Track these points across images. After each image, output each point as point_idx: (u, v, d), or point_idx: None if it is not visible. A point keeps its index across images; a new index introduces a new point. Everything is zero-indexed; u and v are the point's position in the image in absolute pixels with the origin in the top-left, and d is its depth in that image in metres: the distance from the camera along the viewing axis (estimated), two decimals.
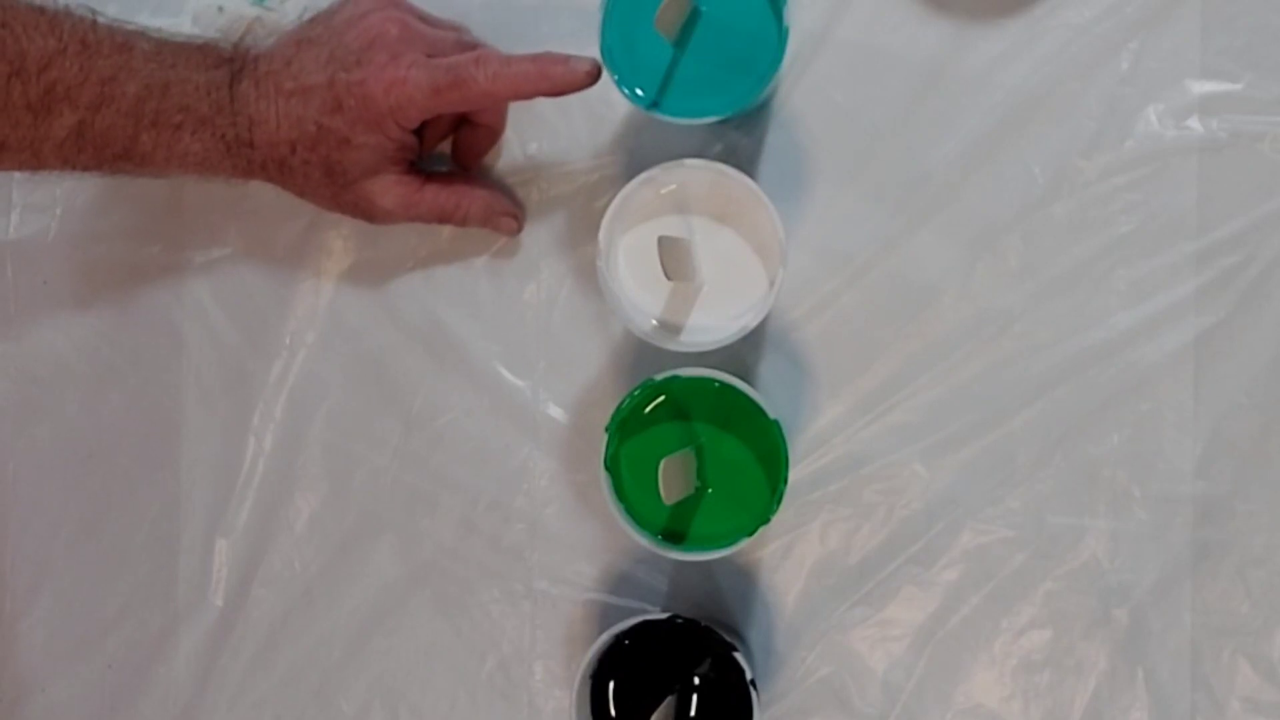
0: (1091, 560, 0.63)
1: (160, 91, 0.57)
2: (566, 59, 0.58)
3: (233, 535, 0.68)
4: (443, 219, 0.63)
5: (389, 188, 0.61)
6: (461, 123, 0.65)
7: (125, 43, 0.57)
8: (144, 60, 0.57)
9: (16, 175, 0.70)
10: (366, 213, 0.62)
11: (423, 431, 0.67)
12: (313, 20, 0.60)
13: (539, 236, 0.66)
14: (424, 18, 0.62)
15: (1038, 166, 0.63)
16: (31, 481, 0.70)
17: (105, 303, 0.69)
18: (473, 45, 0.62)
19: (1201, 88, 0.62)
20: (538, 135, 0.66)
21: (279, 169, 0.59)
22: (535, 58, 0.58)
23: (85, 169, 0.58)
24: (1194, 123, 0.63)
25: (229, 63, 0.59)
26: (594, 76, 0.58)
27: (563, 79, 0.58)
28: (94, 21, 0.57)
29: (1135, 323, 0.63)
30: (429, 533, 0.67)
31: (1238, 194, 0.62)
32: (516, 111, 0.66)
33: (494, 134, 0.65)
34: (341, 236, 0.68)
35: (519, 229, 0.65)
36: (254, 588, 0.68)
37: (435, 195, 0.62)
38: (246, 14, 0.66)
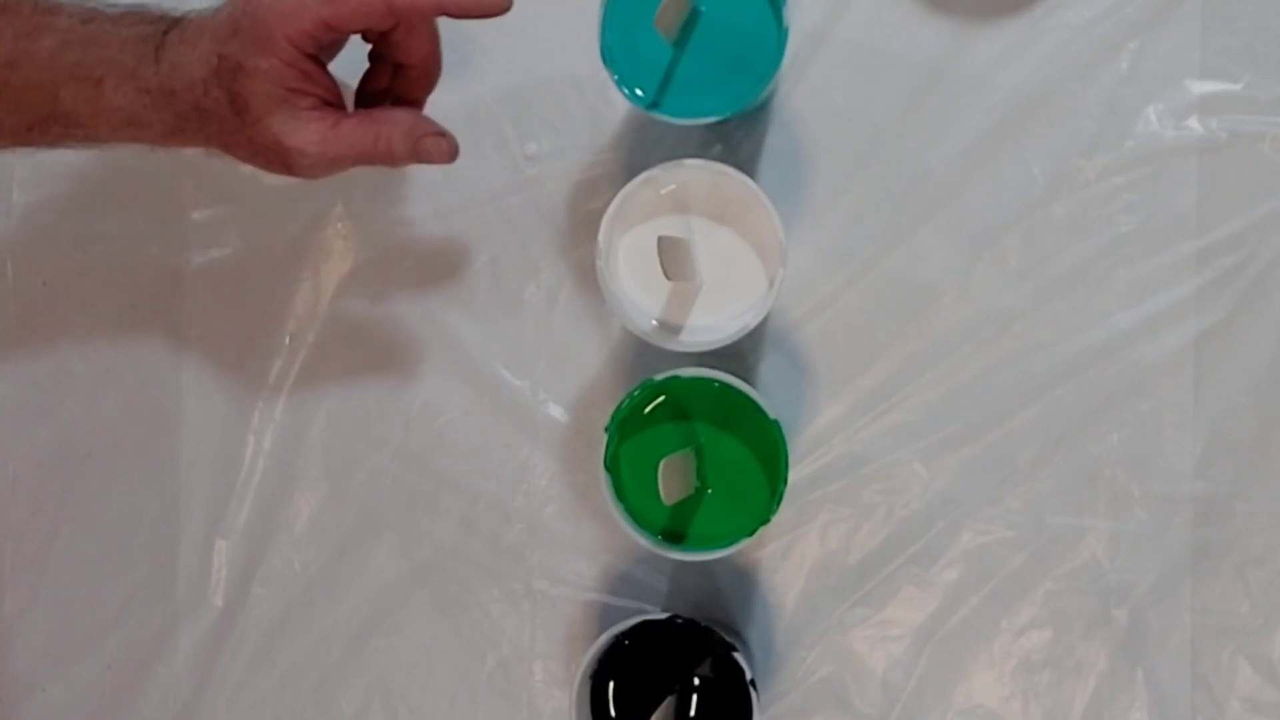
0: (1091, 560, 0.63)
1: (81, 45, 0.55)
2: None
3: (233, 535, 0.68)
4: (366, 157, 0.56)
5: (299, 126, 0.55)
6: (394, 72, 0.60)
7: (51, 6, 0.56)
8: (67, 18, 0.56)
9: (17, 175, 0.70)
10: (283, 158, 0.56)
11: (423, 431, 0.67)
12: None
13: (539, 236, 0.66)
14: None
15: (1038, 166, 0.63)
16: (31, 481, 0.70)
17: (105, 303, 0.69)
18: None
19: (1201, 88, 0.62)
20: (537, 135, 0.66)
21: (199, 115, 0.55)
22: None
23: (17, 138, 0.56)
24: (1194, 123, 0.63)
25: (164, 19, 0.57)
26: (506, 6, 0.55)
27: (473, 2, 0.55)
28: None
29: (1135, 323, 0.63)
30: (429, 533, 0.67)
31: (1238, 194, 0.62)
32: (517, 110, 0.66)
33: (428, 74, 0.60)
34: (341, 236, 0.68)
35: (451, 153, 0.58)
36: (254, 588, 0.68)
37: (352, 130, 0.56)
38: None
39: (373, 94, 0.60)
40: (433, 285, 0.67)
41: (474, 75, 0.67)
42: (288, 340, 0.68)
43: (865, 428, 0.64)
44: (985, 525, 0.64)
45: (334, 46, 0.58)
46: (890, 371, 0.64)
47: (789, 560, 0.65)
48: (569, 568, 0.66)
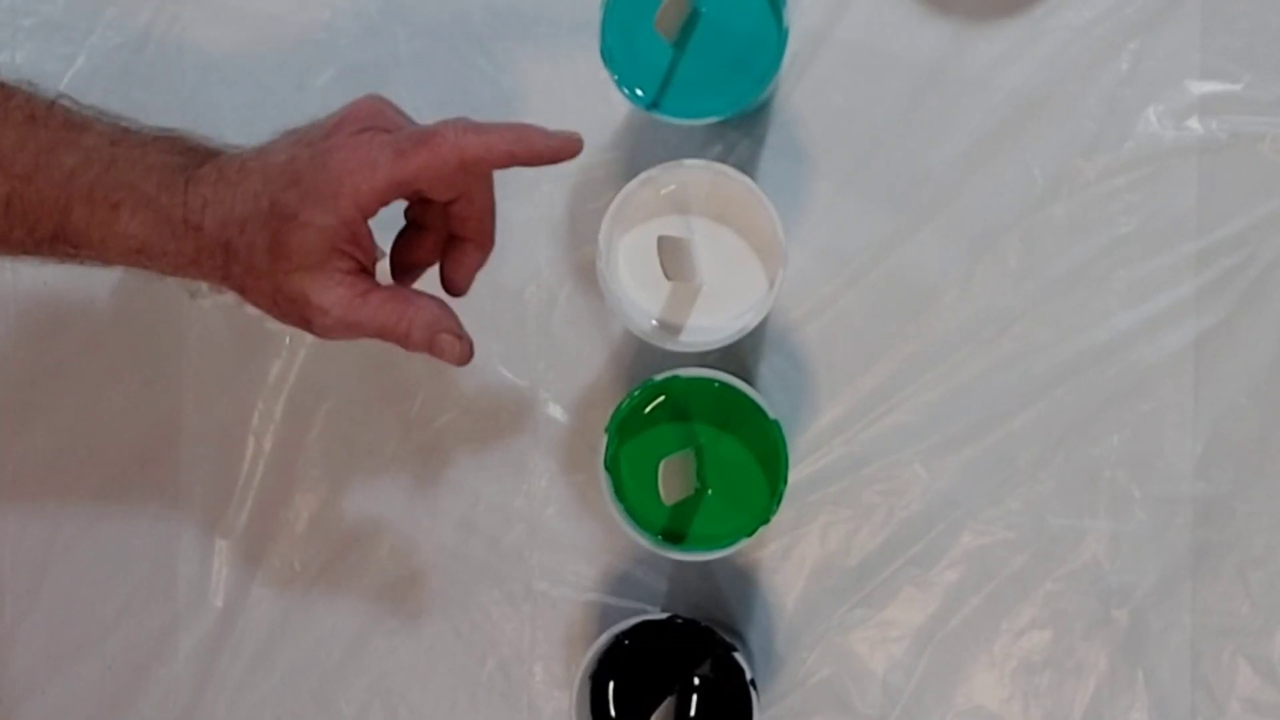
0: (1091, 561, 0.63)
1: (103, 166, 0.53)
2: (546, 130, 0.54)
3: (233, 535, 0.68)
4: (383, 333, 0.54)
5: (330, 285, 0.53)
6: (448, 244, 0.58)
7: (81, 122, 0.54)
8: (96, 137, 0.53)
9: None
10: (303, 313, 0.54)
11: (422, 432, 0.67)
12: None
13: (539, 236, 0.66)
14: (409, 120, 0.56)
15: (1038, 167, 0.63)
16: (31, 481, 0.70)
17: (105, 303, 0.69)
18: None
19: (1201, 88, 0.62)
20: None
21: (224, 253, 0.53)
22: (509, 123, 0.54)
23: (20, 249, 0.55)
24: (1194, 123, 0.63)
25: (198, 151, 0.55)
26: (580, 146, 0.54)
27: (545, 147, 0.53)
28: (53, 101, 0.54)
29: (1135, 323, 0.63)
30: (428, 533, 0.67)
31: (1238, 194, 0.62)
32: (517, 111, 0.66)
33: (482, 251, 0.58)
34: None
35: (464, 357, 0.56)
36: (254, 588, 0.68)
37: (379, 304, 0.54)
38: None
39: (411, 264, 0.58)
40: (432, 285, 0.67)
41: (474, 75, 0.67)
42: (288, 340, 0.68)
43: (865, 428, 0.64)
44: (986, 526, 0.63)
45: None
46: (890, 372, 0.64)
47: (789, 561, 0.65)
48: (569, 568, 0.66)
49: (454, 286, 0.58)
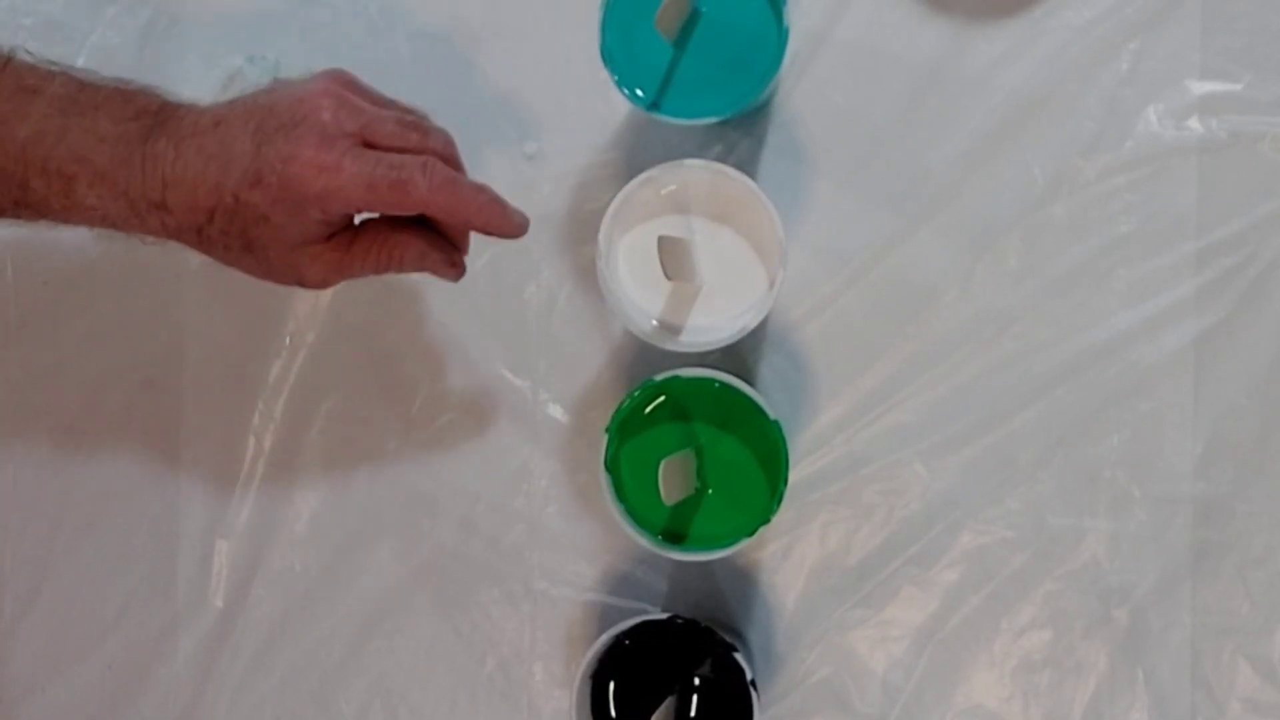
0: (1091, 561, 0.63)
1: (55, 137, 0.52)
2: (505, 207, 0.55)
3: (233, 535, 0.68)
4: (378, 274, 0.56)
5: (317, 256, 0.55)
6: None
7: (34, 86, 0.53)
8: (47, 104, 0.53)
9: None
10: (298, 280, 0.56)
11: (423, 431, 0.67)
12: (263, 87, 0.55)
13: (539, 236, 0.66)
14: (374, 99, 0.56)
15: (1038, 166, 0.63)
16: (31, 481, 0.70)
17: (105, 303, 0.69)
18: (416, 126, 0.55)
19: (1201, 88, 0.62)
20: (537, 135, 0.66)
21: (197, 237, 0.54)
22: (481, 189, 0.55)
23: None
24: (1194, 123, 0.63)
25: (151, 115, 0.54)
26: (523, 231, 0.56)
27: (497, 225, 0.55)
28: (5, 63, 0.54)
29: (1135, 323, 0.63)
30: (429, 533, 0.67)
31: (1238, 194, 0.62)
32: (517, 110, 0.66)
33: (464, 236, 0.59)
34: None
35: (459, 274, 0.58)
36: (254, 588, 0.68)
37: (364, 253, 0.55)
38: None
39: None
40: (433, 285, 0.67)
41: (474, 75, 0.67)
42: (288, 340, 0.68)
43: (865, 428, 0.64)
44: (985, 526, 0.64)
45: None
46: (890, 372, 0.64)
47: (789, 561, 0.65)
48: (569, 568, 0.66)
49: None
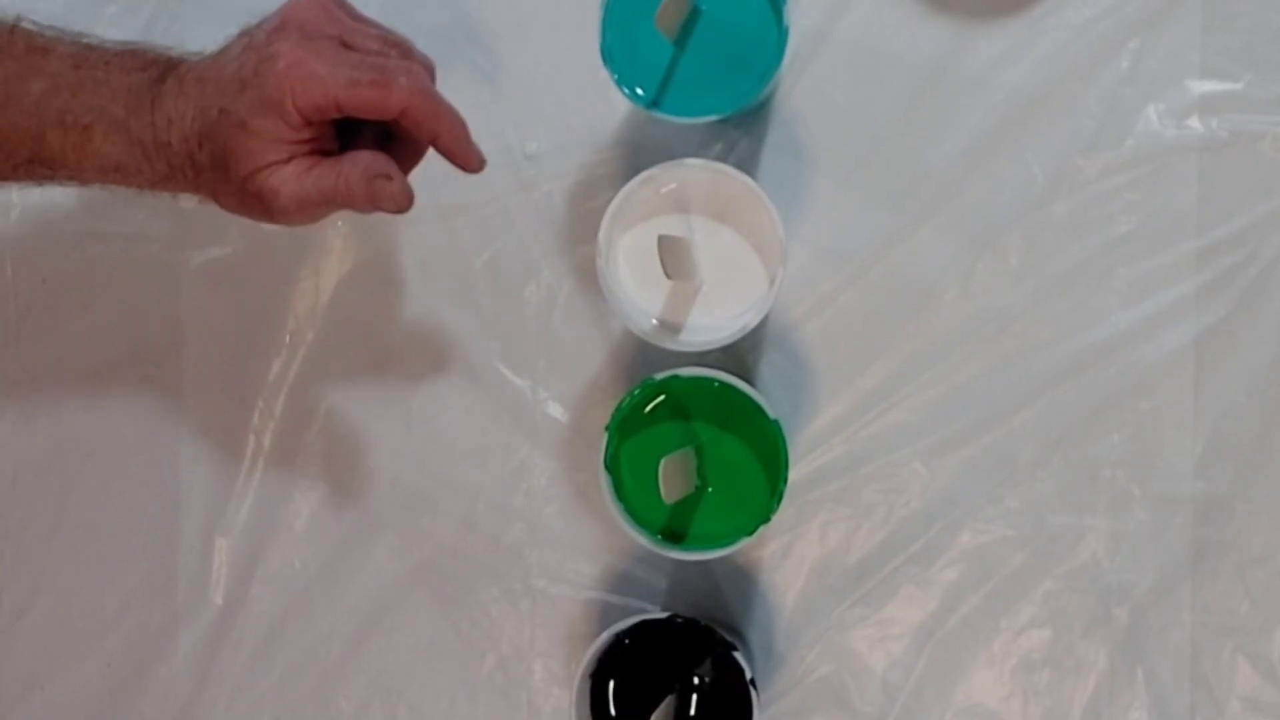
0: (1091, 560, 0.63)
1: (70, 90, 0.54)
2: (470, 136, 0.56)
3: (233, 535, 0.68)
4: (332, 199, 0.55)
5: (281, 170, 0.54)
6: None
7: (44, 46, 0.55)
8: (59, 61, 0.54)
9: None
10: (263, 202, 0.55)
11: (423, 431, 0.67)
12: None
13: (539, 236, 0.66)
14: (355, 15, 0.57)
15: (1038, 166, 0.63)
16: (31, 481, 0.70)
17: (105, 302, 0.69)
18: (397, 44, 0.57)
19: (1201, 87, 0.62)
20: (537, 134, 0.66)
21: (192, 166, 0.55)
22: (454, 110, 0.55)
23: (2, 176, 0.56)
24: (1194, 122, 0.63)
25: (157, 64, 0.55)
26: (479, 167, 0.56)
27: (462, 148, 0.55)
28: (13, 26, 0.55)
29: (1135, 322, 0.63)
30: (429, 532, 0.67)
31: (1238, 194, 0.62)
32: (517, 110, 0.66)
33: (416, 154, 0.58)
34: (341, 236, 0.68)
35: (398, 199, 0.55)
36: (254, 587, 0.68)
37: (321, 172, 0.55)
38: None
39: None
40: (433, 285, 0.67)
41: (474, 75, 0.67)
42: (288, 340, 0.68)
43: (865, 427, 0.64)
44: (985, 525, 0.64)
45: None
46: (890, 371, 0.64)
47: (789, 560, 0.65)
48: (569, 567, 0.66)
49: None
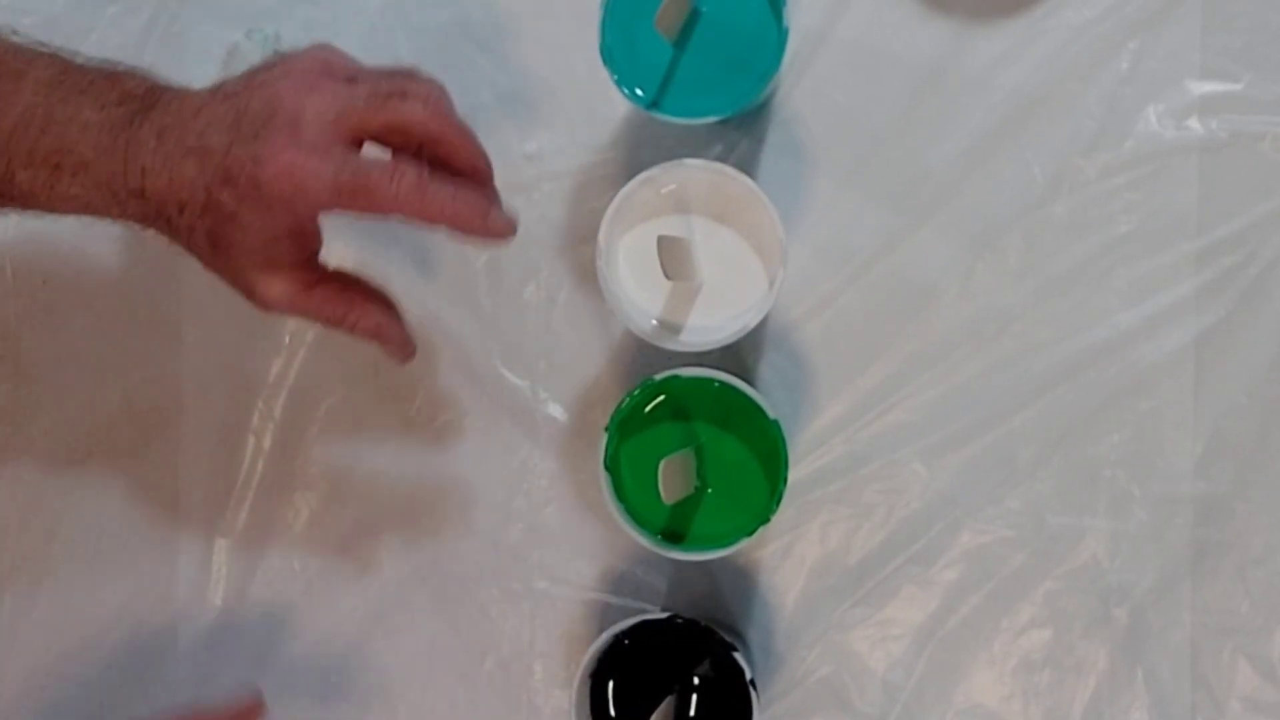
0: (1091, 560, 0.63)
1: (39, 127, 0.52)
2: (487, 211, 0.54)
3: (233, 535, 0.68)
4: (330, 324, 0.56)
5: (275, 279, 0.54)
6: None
7: (20, 70, 0.53)
8: (33, 90, 0.52)
9: None
10: (250, 296, 0.55)
11: (423, 431, 0.67)
12: (247, 72, 0.54)
13: (539, 236, 0.66)
14: (357, 71, 0.55)
15: (1038, 166, 0.63)
16: (31, 481, 0.70)
17: (105, 302, 0.69)
18: (405, 74, 0.55)
19: (1201, 88, 0.62)
20: (537, 135, 0.66)
21: (168, 226, 0.53)
22: (456, 193, 0.53)
23: None
24: (1194, 123, 0.63)
25: (137, 99, 0.53)
26: (506, 236, 0.54)
27: (476, 228, 0.54)
28: None
29: (1135, 322, 0.63)
30: (429, 532, 0.67)
31: (1238, 194, 0.62)
32: (517, 110, 0.66)
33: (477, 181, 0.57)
34: (341, 236, 0.68)
35: (408, 357, 0.59)
36: (253, 587, 0.68)
37: (323, 300, 0.55)
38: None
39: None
40: (433, 285, 0.67)
41: (474, 75, 0.67)
42: (288, 340, 0.68)
43: (865, 427, 0.64)
44: (985, 525, 0.64)
45: None
46: (890, 371, 0.64)
47: (789, 560, 0.65)
48: (569, 567, 0.66)
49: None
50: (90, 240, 0.70)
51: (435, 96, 0.54)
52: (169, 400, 0.69)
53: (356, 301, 0.57)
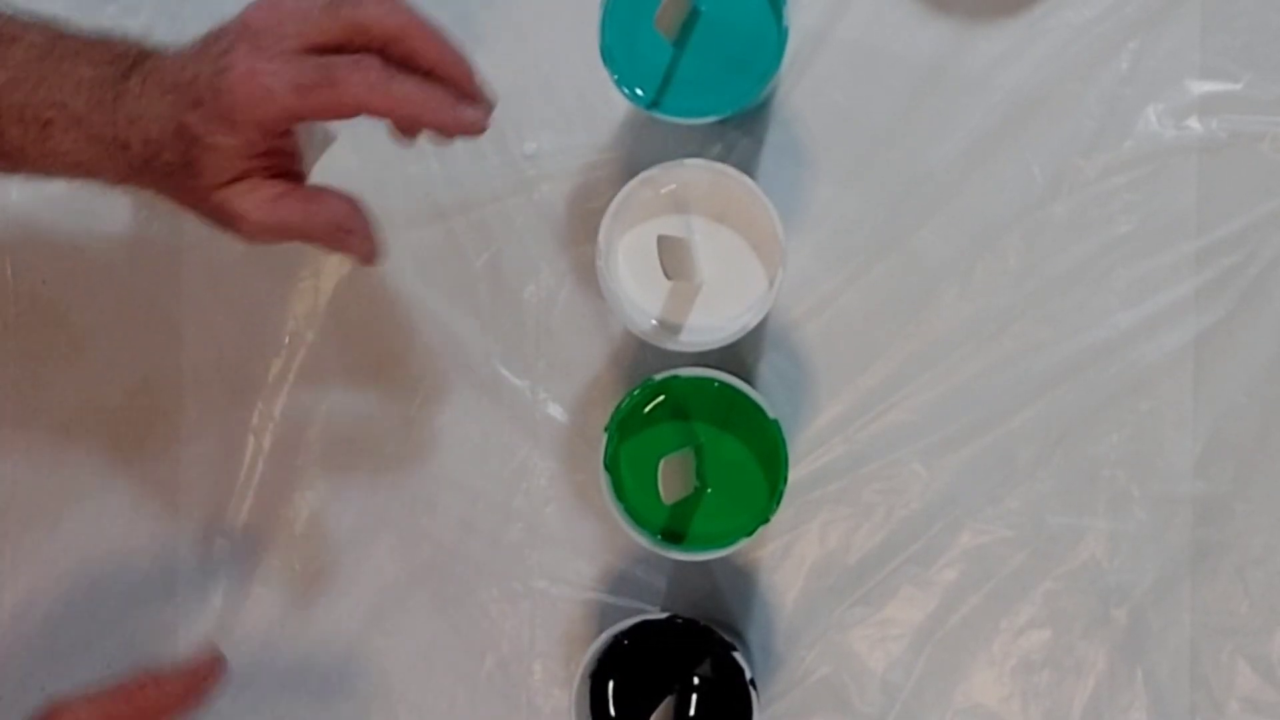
0: (1091, 560, 0.63)
1: (32, 84, 0.52)
2: (455, 103, 0.53)
3: (233, 535, 0.68)
4: (294, 235, 0.55)
5: (246, 193, 0.54)
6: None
7: (12, 35, 0.53)
8: (25, 51, 0.53)
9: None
10: (229, 221, 0.54)
11: (423, 431, 0.67)
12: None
13: (539, 236, 0.66)
14: (319, 6, 0.54)
15: (1038, 166, 0.63)
16: (31, 480, 0.70)
17: (105, 302, 0.69)
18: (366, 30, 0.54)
19: (1201, 88, 0.62)
20: (537, 135, 0.66)
21: (152, 171, 0.54)
22: (422, 85, 0.52)
23: None
24: (1194, 123, 0.63)
25: (129, 59, 0.54)
26: (481, 127, 0.53)
27: (449, 122, 0.53)
28: None
29: (1135, 322, 0.63)
30: (428, 532, 0.67)
31: (1237, 194, 0.62)
32: (517, 110, 0.66)
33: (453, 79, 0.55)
34: None
35: (368, 257, 0.56)
36: (253, 587, 0.68)
37: (290, 206, 0.54)
38: None
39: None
40: (432, 285, 0.67)
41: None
42: (287, 340, 0.68)
43: (865, 427, 0.64)
44: (985, 525, 0.64)
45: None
46: (890, 371, 0.64)
47: (788, 560, 0.65)
48: (568, 567, 0.66)
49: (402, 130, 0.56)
50: (90, 240, 0.70)
51: (375, 66, 0.53)
52: (169, 400, 0.69)
53: (315, 200, 0.55)
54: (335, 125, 0.59)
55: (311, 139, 0.58)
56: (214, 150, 0.52)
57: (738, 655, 0.58)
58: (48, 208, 0.70)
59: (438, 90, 0.53)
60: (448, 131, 0.54)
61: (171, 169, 0.53)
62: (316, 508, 0.68)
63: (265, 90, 0.51)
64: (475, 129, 0.54)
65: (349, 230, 0.55)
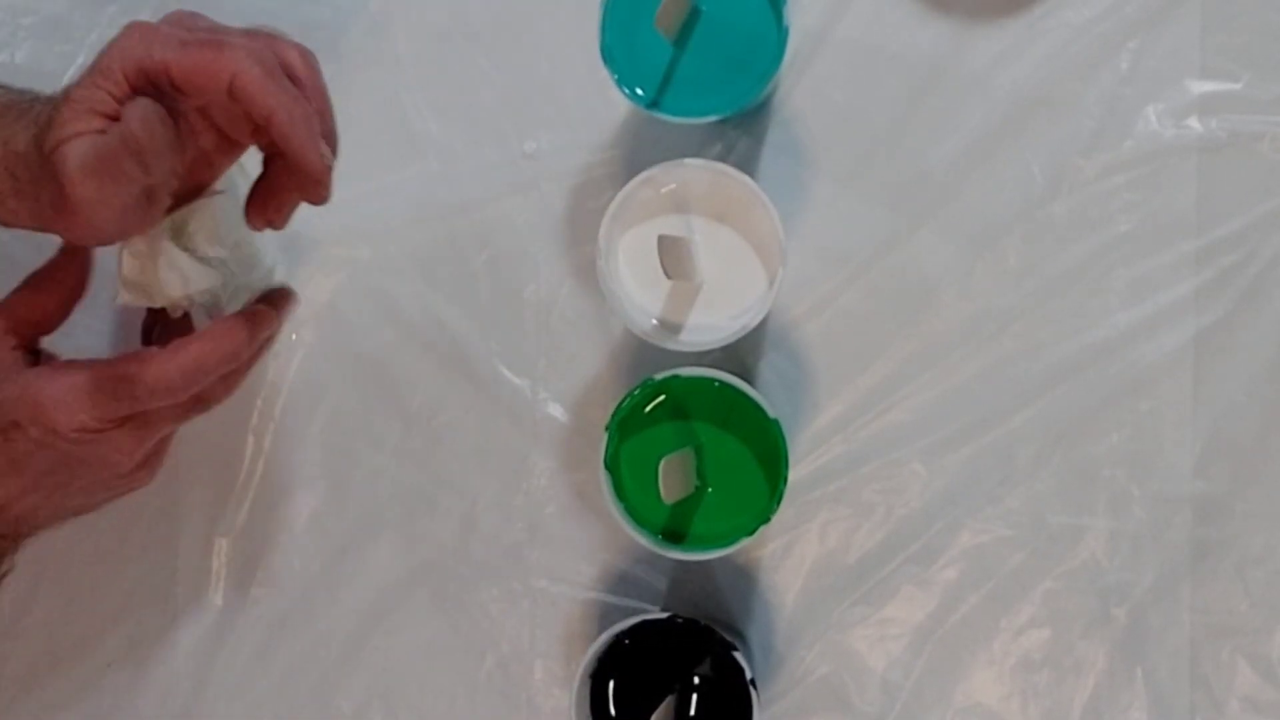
0: (1090, 559, 0.63)
1: None
2: (313, 135, 0.50)
3: (232, 535, 0.68)
4: (113, 156, 0.49)
5: (85, 150, 0.49)
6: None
7: None
8: None
9: None
10: (57, 185, 0.50)
11: (422, 431, 0.67)
12: None
13: (539, 236, 0.66)
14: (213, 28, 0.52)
15: (1037, 166, 0.63)
16: None
17: (104, 302, 0.69)
18: (265, 34, 0.52)
19: (1201, 87, 0.62)
20: (537, 134, 0.66)
21: (13, 179, 0.52)
22: (298, 98, 0.50)
23: None
24: (1193, 122, 0.63)
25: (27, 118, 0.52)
26: (326, 197, 0.52)
27: (313, 150, 0.50)
28: None
29: (1135, 322, 0.63)
30: (428, 532, 0.67)
31: (1237, 194, 0.62)
32: (517, 110, 0.66)
33: (307, 177, 0.52)
34: (340, 241, 0.68)
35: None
36: (253, 587, 0.68)
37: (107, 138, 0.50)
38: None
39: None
40: (433, 285, 0.67)
41: (474, 74, 0.67)
42: (287, 340, 0.68)
43: (865, 427, 0.64)
44: (985, 525, 0.64)
45: None
46: (890, 371, 0.64)
47: (789, 559, 0.65)
48: (569, 567, 0.66)
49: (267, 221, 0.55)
50: None
51: (269, 56, 0.50)
52: None
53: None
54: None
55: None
56: (71, 102, 0.49)
57: (738, 655, 0.58)
58: None
59: (307, 110, 0.51)
60: (294, 148, 0.50)
61: (28, 150, 0.51)
62: (316, 507, 0.68)
63: (146, 39, 0.49)
64: (322, 190, 0.52)
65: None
